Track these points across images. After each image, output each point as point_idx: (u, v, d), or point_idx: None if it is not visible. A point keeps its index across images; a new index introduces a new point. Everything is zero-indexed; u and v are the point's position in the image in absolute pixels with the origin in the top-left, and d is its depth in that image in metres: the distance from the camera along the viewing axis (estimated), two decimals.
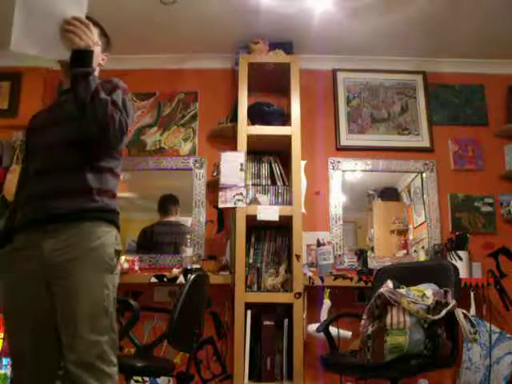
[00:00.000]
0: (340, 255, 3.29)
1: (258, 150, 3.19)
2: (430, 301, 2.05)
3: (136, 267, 3.10)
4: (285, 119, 3.26)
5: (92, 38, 1.54)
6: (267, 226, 3.03)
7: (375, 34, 3.36)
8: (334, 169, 3.46)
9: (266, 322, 2.83)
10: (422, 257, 3.24)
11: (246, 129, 3.07)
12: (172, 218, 3.44)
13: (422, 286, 2.17)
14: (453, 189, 3.43)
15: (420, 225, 3.42)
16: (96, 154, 1.59)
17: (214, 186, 3.25)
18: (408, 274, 2.43)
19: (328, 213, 3.39)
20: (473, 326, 2.03)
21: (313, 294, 3.01)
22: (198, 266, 3.03)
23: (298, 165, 3.02)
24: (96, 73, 1.61)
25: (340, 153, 3.51)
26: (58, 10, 1.52)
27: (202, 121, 3.56)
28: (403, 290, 2.12)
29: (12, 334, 1.57)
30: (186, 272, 2.93)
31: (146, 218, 3.45)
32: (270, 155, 3.23)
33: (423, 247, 3.31)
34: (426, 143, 3.54)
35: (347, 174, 3.50)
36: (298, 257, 2.87)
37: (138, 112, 3.56)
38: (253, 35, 3.31)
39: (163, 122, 3.57)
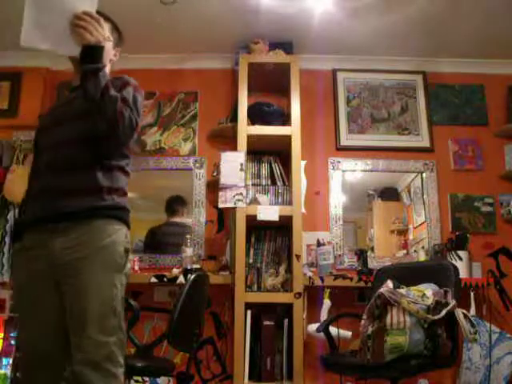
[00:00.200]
0: (340, 255, 3.29)
1: (258, 150, 3.19)
2: (429, 301, 2.05)
3: (136, 267, 3.11)
4: (285, 119, 3.26)
5: (103, 34, 1.52)
6: (267, 226, 3.03)
7: (375, 34, 3.36)
8: (333, 169, 3.46)
9: (266, 322, 2.83)
10: (422, 257, 3.24)
11: (246, 129, 3.07)
12: (178, 219, 3.45)
13: (421, 286, 2.17)
14: (453, 189, 3.43)
15: (420, 225, 3.42)
16: (106, 152, 1.57)
17: (214, 186, 3.25)
18: (408, 274, 2.43)
19: (328, 213, 3.39)
20: (473, 326, 2.03)
21: (313, 294, 3.01)
22: (198, 266, 3.03)
23: (298, 165, 3.02)
24: (107, 69, 1.60)
25: (340, 153, 3.51)
26: (69, 4, 1.50)
27: (202, 121, 3.56)
28: (403, 290, 2.12)
29: (22, 333, 1.57)
30: (186, 272, 2.93)
31: (146, 218, 3.45)
32: (270, 155, 3.23)
33: (423, 247, 3.31)
34: (425, 143, 3.54)
35: (347, 174, 3.50)
36: (298, 257, 2.87)
37: None
38: (253, 35, 3.31)
39: (163, 122, 3.57)
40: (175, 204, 3.46)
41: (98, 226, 1.50)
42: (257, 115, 3.19)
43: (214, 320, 3.06)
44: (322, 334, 2.51)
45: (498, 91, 3.61)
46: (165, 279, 2.96)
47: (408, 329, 1.98)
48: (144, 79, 3.46)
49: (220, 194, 2.96)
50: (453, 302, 2.05)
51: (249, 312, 2.81)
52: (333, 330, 2.53)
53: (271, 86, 3.43)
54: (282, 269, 2.97)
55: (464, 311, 2.06)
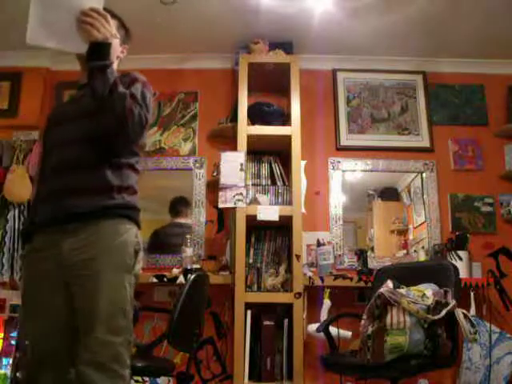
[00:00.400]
0: (340, 255, 3.29)
1: (258, 150, 3.19)
2: (429, 301, 2.05)
3: None
4: (285, 119, 3.26)
5: (110, 30, 1.50)
6: (267, 225, 3.03)
7: (375, 34, 3.36)
8: (334, 169, 3.46)
9: (266, 322, 2.83)
10: (422, 257, 3.24)
11: (246, 129, 3.07)
12: (182, 220, 3.45)
13: (422, 286, 2.17)
14: (453, 189, 3.43)
15: (420, 225, 3.42)
16: (115, 150, 1.55)
17: (214, 186, 3.25)
18: (408, 274, 2.43)
19: (328, 213, 3.39)
20: (473, 326, 2.03)
21: (313, 294, 3.01)
22: (198, 266, 3.03)
23: (298, 165, 3.02)
24: (115, 66, 1.57)
25: (340, 153, 3.51)
26: (76, 1, 1.48)
27: (202, 121, 3.56)
28: (403, 290, 2.12)
29: (28, 333, 1.55)
30: (186, 272, 2.93)
31: (146, 218, 3.41)
32: (270, 155, 3.23)
33: (423, 247, 3.31)
34: (425, 143, 3.54)
35: (347, 174, 3.50)
36: (298, 257, 2.87)
37: None
38: (253, 35, 3.31)
39: (163, 122, 3.57)
40: (179, 205, 3.46)
41: (108, 226, 1.48)
42: (257, 115, 3.19)
43: (214, 320, 3.06)
44: (322, 334, 2.50)
45: (498, 91, 3.61)
46: (165, 279, 2.96)
47: (408, 329, 1.98)
48: None
49: (220, 194, 2.96)
50: (453, 302, 2.05)
51: (249, 312, 2.81)
52: (333, 330, 2.53)
53: (271, 86, 3.43)
54: (281, 269, 2.97)
55: (464, 311, 2.06)
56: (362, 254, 3.22)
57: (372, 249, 3.37)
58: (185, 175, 3.46)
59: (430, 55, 3.61)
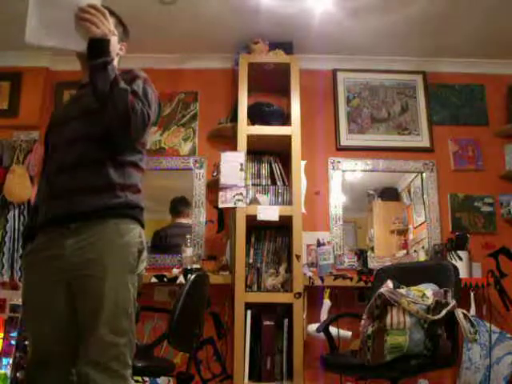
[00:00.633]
0: (340, 255, 3.29)
1: (258, 150, 3.19)
2: (430, 301, 2.06)
3: None
4: (285, 119, 3.26)
5: (108, 26, 1.49)
6: (267, 226, 3.03)
7: (375, 34, 3.36)
8: (334, 169, 3.46)
9: (266, 322, 2.83)
10: (422, 257, 3.24)
11: (245, 129, 3.07)
12: (183, 220, 3.45)
13: (422, 286, 2.17)
14: (453, 189, 3.43)
15: (420, 225, 3.42)
16: (117, 148, 1.53)
17: (214, 186, 3.25)
18: (408, 274, 2.43)
19: (328, 213, 3.39)
20: (473, 326, 2.03)
21: (313, 294, 3.01)
22: (198, 266, 3.03)
23: (298, 165, 3.02)
24: (115, 63, 1.56)
25: (340, 153, 3.51)
26: None
27: (202, 121, 3.56)
28: (403, 290, 2.12)
29: (31, 335, 1.55)
30: (186, 272, 2.93)
31: (146, 218, 3.43)
32: (270, 155, 3.23)
33: (423, 247, 3.31)
34: (425, 143, 3.54)
35: (347, 174, 3.50)
36: (298, 257, 2.87)
37: None
38: (253, 35, 3.31)
39: (163, 122, 3.57)
40: (180, 205, 3.46)
41: (111, 226, 1.47)
42: (257, 115, 3.19)
43: (214, 320, 3.06)
44: (322, 334, 2.50)
45: (498, 91, 3.61)
46: (165, 279, 2.96)
47: (408, 329, 1.98)
48: None
49: (220, 194, 2.96)
50: (453, 302, 2.05)
51: (249, 312, 2.81)
52: (333, 330, 2.52)
53: (271, 86, 3.43)
54: (282, 269, 2.97)
55: (464, 311, 2.06)
56: (361, 254, 3.22)
57: (372, 249, 3.37)
58: (185, 175, 3.46)
59: (430, 55, 3.61)
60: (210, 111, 3.56)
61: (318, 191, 3.40)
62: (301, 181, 3.02)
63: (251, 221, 2.91)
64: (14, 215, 3.24)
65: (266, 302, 2.87)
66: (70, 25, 1.47)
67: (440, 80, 3.66)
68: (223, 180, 2.98)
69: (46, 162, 1.65)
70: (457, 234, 3.20)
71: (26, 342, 1.57)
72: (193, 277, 2.26)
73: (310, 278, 2.98)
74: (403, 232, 3.46)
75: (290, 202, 3.02)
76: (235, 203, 2.92)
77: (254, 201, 3.01)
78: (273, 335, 2.83)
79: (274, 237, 3.09)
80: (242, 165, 2.97)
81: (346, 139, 3.54)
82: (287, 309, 2.84)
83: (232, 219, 3.02)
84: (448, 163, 3.49)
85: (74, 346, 1.45)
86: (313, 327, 2.78)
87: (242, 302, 2.78)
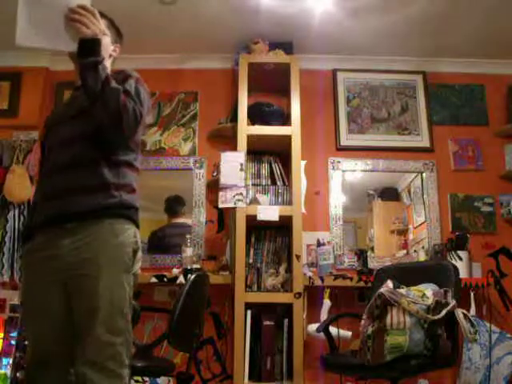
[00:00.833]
0: (340, 255, 3.29)
1: (258, 150, 3.19)
2: (430, 301, 2.06)
3: None
4: (285, 119, 3.26)
5: (99, 26, 1.49)
6: (267, 226, 3.03)
7: (375, 34, 3.36)
8: (334, 169, 3.46)
9: (266, 322, 2.83)
10: (422, 257, 3.24)
11: (245, 129, 3.07)
12: (181, 220, 3.45)
13: (422, 286, 2.17)
14: (453, 189, 3.43)
15: (420, 225, 3.42)
16: (111, 146, 1.55)
17: (214, 186, 3.25)
18: (408, 274, 2.43)
19: (328, 213, 3.39)
20: (473, 326, 2.03)
21: (313, 294, 3.01)
22: (198, 266, 3.03)
23: (298, 165, 3.02)
24: (108, 64, 1.56)
25: (340, 153, 3.51)
26: None
27: (202, 121, 3.56)
28: (403, 290, 2.12)
29: (30, 335, 1.56)
30: (186, 272, 2.93)
31: (147, 218, 3.43)
32: (270, 155, 3.23)
33: (423, 247, 3.31)
34: (425, 143, 3.54)
35: (347, 174, 3.50)
36: (298, 257, 2.87)
37: None
38: (253, 35, 3.31)
39: (163, 122, 3.57)
40: (175, 204, 3.45)
41: (106, 226, 1.48)
42: (257, 115, 3.19)
43: (214, 320, 3.06)
44: (322, 334, 2.50)
45: (498, 91, 3.61)
46: (165, 279, 2.96)
47: (408, 329, 1.98)
48: (144, 79, 3.51)
49: (220, 194, 2.96)
50: (453, 302, 2.05)
51: (249, 312, 2.81)
52: (333, 330, 2.52)
53: (271, 86, 3.43)
54: (282, 269, 2.97)
55: (464, 311, 2.06)
56: (362, 254, 3.22)
57: (372, 249, 3.37)
58: (185, 175, 3.46)
59: (430, 55, 3.61)
60: (210, 111, 3.56)
61: (318, 191, 3.40)
62: (301, 181, 3.02)
63: (251, 221, 2.91)
64: (14, 215, 3.24)
65: (265, 301, 2.87)
66: (59, 25, 1.47)
67: (440, 80, 3.66)
68: (223, 180, 2.98)
69: (42, 164, 1.67)
70: (457, 233, 3.20)
71: (26, 342, 1.56)
72: (193, 277, 2.26)
73: (310, 277, 2.98)
74: (403, 232, 3.46)
75: (290, 202, 3.02)
76: (235, 203, 2.92)
77: (254, 201, 3.01)
78: (273, 335, 2.83)
79: (273, 237, 3.09)
80: (242, 165, 2.97)
81: (345, 139, 3.54)
82: (287, 309, 2.84)
83: (232, 219, 3.02)
84: (448, 163, 3.49)
85: (72, 345, 1.45)
86: (313, 327, 2.78)
87: (242, 302, 2.78)
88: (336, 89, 3.64)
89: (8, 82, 3.54)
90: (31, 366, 1.52)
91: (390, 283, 2.17)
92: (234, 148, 3.10)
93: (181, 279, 2.91)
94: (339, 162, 3.47)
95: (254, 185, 3.12)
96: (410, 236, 3.43)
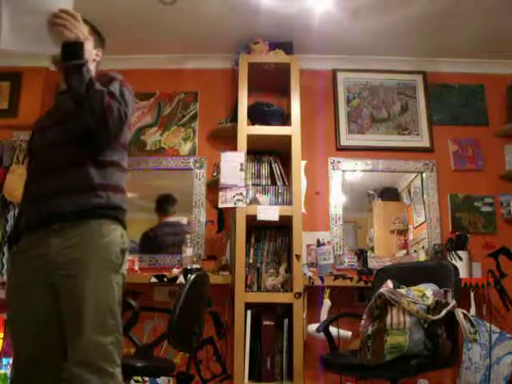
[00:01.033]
0: (340, 255, 3.29)
1: (258, 150, 3.19)
2: (429, 301, 2.06)
3: (136, 267, 3.10)
4: (285, 119, 3.26)
5: (81, 30, 1.51)
6: (267, 226, 3.03)
7: (375, 34, 3.36)
8: (334, 169, 3.46)
9: (266, 322, 2.83)
10: (422, 257, 3.24)
11: (246, 129, 3.07)
12: (172, 219, 3.44)
13: (422, 286, 2.17)
14: (453, 189, 3.43)
15: (420, 225, 3.42)
16: (97, 147, 1.56)
17: (214, 186, 3.25)
18: (408, 274, 2.43)
19: (328, 213, 3.39)
20: (473, 326, 2.03)
21: (313, 294, 3.01)
22: (198, 266, 3.03)
23: (298, 165, 3.02)
24: (91, 68, 1.59)
25: (340, 153, 3.51)
26: (45, 3, 1.49)
27: (202, 121, 3.56)
28: (403, 290, 2.12)
29: (16, 336, 1.55)
30: (186, 272, 2.93)
31: (146, 217, 3.45)
32: (270, 155, 3.23)
33: (423, 247, 3.31)
34: (425, 143, 3.54)
35: (347, 174, 3.50)
36: (297, 257, 2.87)
37: (138, 112, 3.56)
38: (253, 35, 3.31)
39: (163, 122, 3.57)
40: (166, 204, 3.44)
41: (93, 227, 1.50)
42: (257, 115, 3.19)
43: (213, 320, 3.07)
44: (322, 334, 2.51)
45: (498, 91, 3.60)
46: (165, 279, 2.96)
47: (408, 329, 1.98)
48: (144, 79, 3.53)
49: (220, 194, 2.96)
50: (453, 302, 2.05)
51: (249, 312, 2.81)
52: (333, 330, 2.53)
53: (271, 85, 3.43)
54: (282, 269, 2.97)
55: (464, 311, 2.06)
56: (362, 254, 3.22)
57: (372, 249, 3.37)
58: (185, 175, 3.46)
59: (430, 55, 3.61)
60: (210, 111, 3.56)
61: (318, 191, 3.40)
62: (301, 181, 3.02)
63: (251, 221, 2.91)
64: (14, 215, 3.24)
65: (265, 302, 2.87)
66: (43, 29, 1.49)
67: (440, 80, 3.66)
68: (223, 180, 2.98)
69: (29, 168, 1.68)
70: (457, 233, 3.20)
71: (14, 343, 1.56)
72: (193, 277, 2.26)
73: (310, 278, 2.98)
74: (403, 232, 3.46)
75: (290, 202, 3.02)
76: (235, 203, 2.92)
77: (254, 201, 3.01)
78: (273, 335, 2.83)
79: (273, 237, 3.10)
80: (242, 165, 2.97)
81: (345, 139, 3.54)
82: (287, 309, 2.84)
83: (232, 219, 3.02)
84: (448, 163, 3.49)
85: (63, 345, 1.46)
86: (313, 327, 2.78)
87: (242, 301, 2.78)
88: (336, 89, 3.64)
89: (8, 82, 3.55)
90: (20, 367, 1.52)
91: (389, 283, 2.17)
92: (234, 148, 3.10)
93: (181, 279, 2.91)
94: (339, 162, 3.47)
95: (254, 185, 3.12)
96: (410, 236, 3.43)
